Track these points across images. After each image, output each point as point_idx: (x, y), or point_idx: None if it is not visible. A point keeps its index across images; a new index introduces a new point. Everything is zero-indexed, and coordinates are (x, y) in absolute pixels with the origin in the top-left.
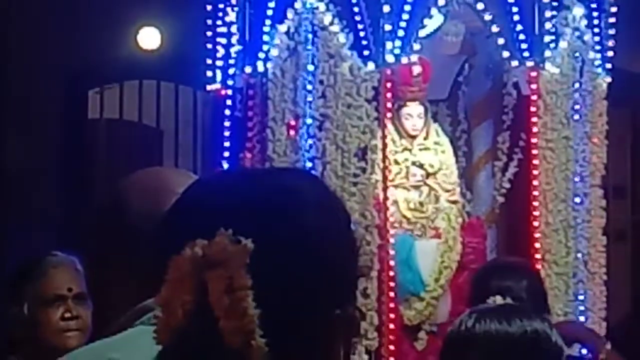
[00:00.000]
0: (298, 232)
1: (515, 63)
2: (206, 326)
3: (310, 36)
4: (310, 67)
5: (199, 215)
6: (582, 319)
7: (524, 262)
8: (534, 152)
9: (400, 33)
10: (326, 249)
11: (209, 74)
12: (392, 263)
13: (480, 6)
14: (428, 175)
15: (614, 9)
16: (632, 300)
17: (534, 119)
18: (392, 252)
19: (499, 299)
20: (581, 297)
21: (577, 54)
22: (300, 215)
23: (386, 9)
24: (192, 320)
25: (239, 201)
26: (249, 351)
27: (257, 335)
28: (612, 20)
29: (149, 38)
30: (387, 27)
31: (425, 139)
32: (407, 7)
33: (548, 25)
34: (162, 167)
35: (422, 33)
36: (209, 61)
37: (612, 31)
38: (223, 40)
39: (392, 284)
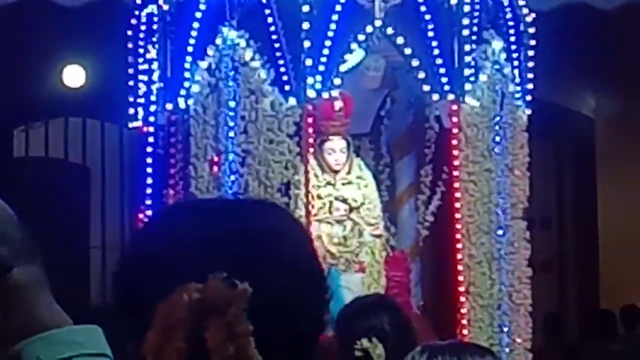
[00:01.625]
0: (284, 272)
1: (436, 97)
2: None
3: (231, 72)
4: (232, 103)
5: (177, 258)
6: (507, 350)
7: (381, 298)
8: (456, 185)
9: (321, 68)
10: (311, 286)
11: (131, 111)
12: None
13: (400, 40)
14: (351, 209)
15: (532, 42)
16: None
17: (456, 152)
18: None
19: (365, 342)
20: (505, 329)
21: (497, 87)
22: (283, 253)
23: (307, 44)
24: None
25: (219, 242)
26: None
27: None
28: (531, 53)
29: (74, 76)
30: (308, 62)
31: (348, 173)
32: (328, 43)
33: (468, 59)
34: None
35: (343, 68)
36: (131, 98)
37: (531, 64)
38: (144, 77)
39: None
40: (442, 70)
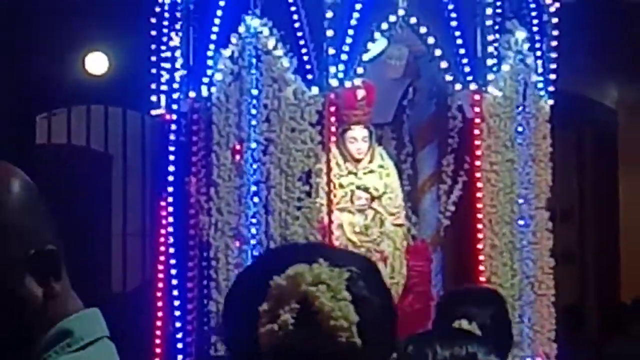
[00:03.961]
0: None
1: (458, 86)
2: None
3: (254, 60)
4: (255, 92)
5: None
6: (528, 341)
7: (491, 290)
8: (478, 175)
9: (344, 57)
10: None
11: (154, 98)
12: None
13: (423, 30)
14: (373, 198)
15: (555, 32)
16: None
17: (478, 142)
18: None
19: (464, 323)
20: (526, 319)
21: (519, 77)
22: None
23: (329, 33)
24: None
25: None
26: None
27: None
28: (554, 43)
29: (97, 63)
30: (331, 51)
31: (370, 162)
32: (351, 31)
33: (491, 49)
34: None
35: (366, 57)
36: (154, 86)
37: (554, 54)
38: (167, 65)
39: None
40: (464, 60)
